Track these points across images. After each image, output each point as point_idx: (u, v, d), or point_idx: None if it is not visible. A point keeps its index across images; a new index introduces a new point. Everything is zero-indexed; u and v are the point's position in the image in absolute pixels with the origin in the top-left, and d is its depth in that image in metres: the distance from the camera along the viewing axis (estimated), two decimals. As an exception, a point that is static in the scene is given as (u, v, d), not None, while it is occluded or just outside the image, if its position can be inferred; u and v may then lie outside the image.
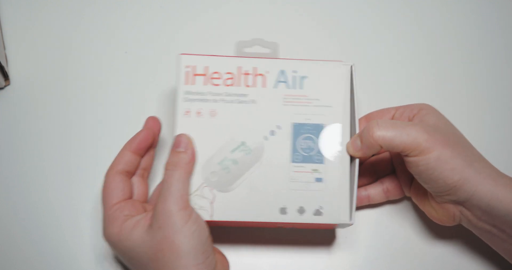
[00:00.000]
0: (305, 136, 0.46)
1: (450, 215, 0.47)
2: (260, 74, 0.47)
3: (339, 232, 0.52)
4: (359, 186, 0.51)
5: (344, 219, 0.45)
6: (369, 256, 0.51)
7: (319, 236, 0.51)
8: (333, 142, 0.46)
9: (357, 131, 0.46)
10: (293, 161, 0.46)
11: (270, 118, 0.46)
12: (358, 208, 0.52)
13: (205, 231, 0.43)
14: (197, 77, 0.47)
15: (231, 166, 0.45)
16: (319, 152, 0.46)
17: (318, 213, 0.45)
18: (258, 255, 0.51)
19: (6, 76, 0.54)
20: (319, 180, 0.46)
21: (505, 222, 0.44)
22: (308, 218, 0.45)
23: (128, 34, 0.57)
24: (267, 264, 0.51)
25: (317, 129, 0.46)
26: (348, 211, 0.45)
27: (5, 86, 0.55)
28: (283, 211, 0.45)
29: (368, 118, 0.51)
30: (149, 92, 0.55)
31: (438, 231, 0.52)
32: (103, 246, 0.50)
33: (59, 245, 0.51)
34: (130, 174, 0.47)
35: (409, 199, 0.53)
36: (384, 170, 0.51)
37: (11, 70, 0.55)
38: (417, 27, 0.59)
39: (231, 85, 0.47)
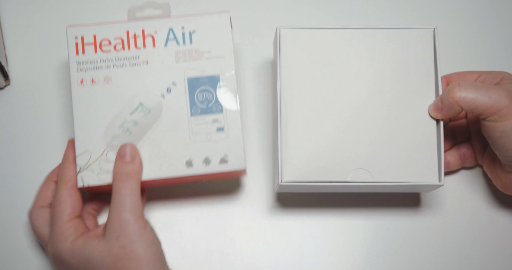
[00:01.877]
0: (201, 89, 0.47)
1: None
2: (149, 35, 0.48)
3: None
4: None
5: (433, 180, 0.46)
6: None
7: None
8: (230, 91, 0.47)
9: (440, 92, 0.46)
10: (192, 115, 0.46)
11: (164, 76, 0.47)
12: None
13: (159, 240, 0.44)
14: (87, 46, 0.47)
15: (132, 128, 0.46)
16: (217, 102, 0.47)
17: (223, 161, 0.46)
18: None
19: (6, 76, 0.54)
20: (220, 129, 0.46)
21: None
22: (215, 167, 0.46)
23: None
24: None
25: (213, 80, 0.47)
26: (437, 173, 0.46)
27: (5, 86, 0.55)
28: (189, 164, 0.46)
29: (449, 79, 0.50)
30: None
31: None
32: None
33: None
34: None
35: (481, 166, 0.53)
36: (461, 135, 0.51)
37: (11, 70, 0.55)
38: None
39: (121, 49, 0.47)
